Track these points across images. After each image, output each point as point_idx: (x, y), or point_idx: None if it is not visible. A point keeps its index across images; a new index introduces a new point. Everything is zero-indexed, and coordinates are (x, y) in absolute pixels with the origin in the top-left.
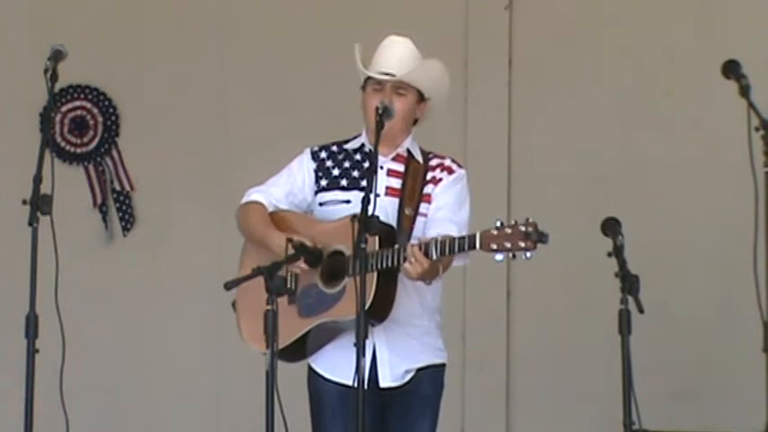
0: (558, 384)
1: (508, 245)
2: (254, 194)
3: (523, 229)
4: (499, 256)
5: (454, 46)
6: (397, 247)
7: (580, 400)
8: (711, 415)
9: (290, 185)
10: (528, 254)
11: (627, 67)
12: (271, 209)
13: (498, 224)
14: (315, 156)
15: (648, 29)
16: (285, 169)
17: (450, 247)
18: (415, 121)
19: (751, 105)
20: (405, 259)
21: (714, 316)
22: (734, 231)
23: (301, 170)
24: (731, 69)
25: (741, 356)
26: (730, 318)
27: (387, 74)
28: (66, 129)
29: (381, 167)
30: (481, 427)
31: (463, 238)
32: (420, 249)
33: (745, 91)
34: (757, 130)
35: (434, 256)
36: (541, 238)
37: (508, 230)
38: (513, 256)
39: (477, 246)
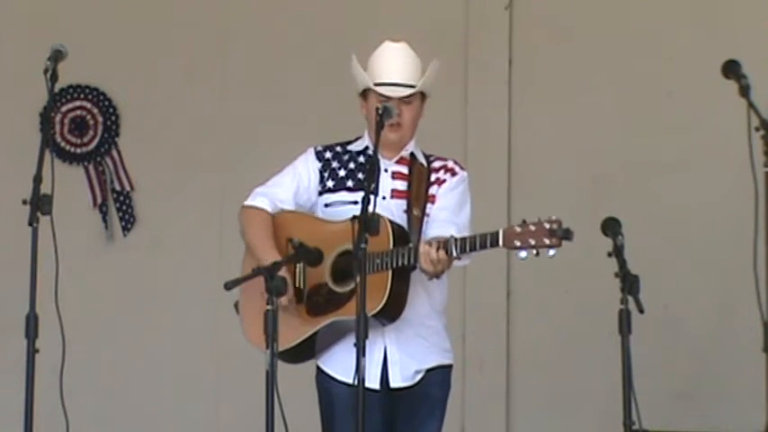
0: (558, 384)
1: (532, 242)
2: (259, 198)
3: (548, 226)
4: (523, 254)
5: (454, 46)
6: (411, 245)
7: (580, 400)
8: (711, 415)
9: (295, 185)
10: (552, 251)
11: (627, 67)
12: (275, 212)
13: (522, 222)
14: (319, 156)
15: (648, 29)
16: (289, 168)
17: (472, 244)
18: None
19: (751, 105)
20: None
21: (714, 316)
22: (734, 231)
23: (306, 169)
24: (731, 69)
25: (741, 356)
26: (730, 318)
27: (398, 85)
28: (66, 129)
29: (386, 170)
30: (481, 427)
31: (485, 235)
32: (439, 248)
33: (745, 91)
34: (757, 130)
35: (455, 254)
36: (567, 234)
37: (532, 227)
38: (537, 253)
39: (501, 243)
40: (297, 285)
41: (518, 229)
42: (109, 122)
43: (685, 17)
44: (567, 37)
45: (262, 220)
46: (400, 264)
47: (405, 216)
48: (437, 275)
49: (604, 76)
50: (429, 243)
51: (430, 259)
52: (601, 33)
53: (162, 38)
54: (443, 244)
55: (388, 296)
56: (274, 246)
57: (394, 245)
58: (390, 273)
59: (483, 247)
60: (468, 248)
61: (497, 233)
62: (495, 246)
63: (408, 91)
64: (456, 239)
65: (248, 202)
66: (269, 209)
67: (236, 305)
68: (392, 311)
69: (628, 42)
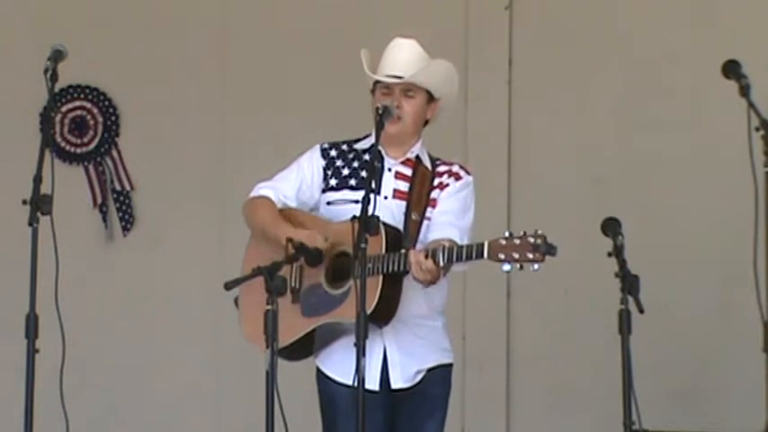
0: (558, 384)
1: (516, 255)
2: (263, 190)
3: (532, 240)
4: (507, 266)
5: (454, 46)
6: (403, 251)
7: (580, 400)
8: (711, 415)
9: (299, 182)
10: (536, 266)
11: (627, 66)
12: (279, 206)
13: (507, 234)
14: (324, 153)
15: (648, 29)
16: (294, 164)
17: (458, 255)
18: (426, 123)
19: (751, 105)
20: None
21: (714, 316)
22: (734, 231)
23: (311, 166)
24: (731, 69)
25: (741, 356)
26: (730, 318)
27: (394, 76)
28: (66, 129)
29: (390, 169)
30: (481, 427)
31: (471, 246)
32: (427, 256)
33: (745, 91)
34: (757, 130)
35: (442, 263)
36: (550, 250)
37: (517, 241)
38: (521, 267)
39: (486, 255)
40: (293, 285)
41: (503, 242)
42: (109, 122)
43: (685, 17)
44: (566, 37)
45: (268, 206)
46: (391, 269)
47: (403, 218)
48: (431, 283)
49: (604, 75)
50: (419, 251)
51: (421, 269)
52: (601, 33)
53: (162, 38)
54: (432, 253)
55: (378, 300)
56: (284, 221)
57: (386, 250)
58: (381, 277)
59: (468, 258)
60: (454, 259)
61: (482, 245)
62: (480, 257)
63: (396, 80)
64: (444, 248)
65: (253, 194)
66: (274, 199)
67: (236, 300)
68: (383, 315)
69: (628, 42)
